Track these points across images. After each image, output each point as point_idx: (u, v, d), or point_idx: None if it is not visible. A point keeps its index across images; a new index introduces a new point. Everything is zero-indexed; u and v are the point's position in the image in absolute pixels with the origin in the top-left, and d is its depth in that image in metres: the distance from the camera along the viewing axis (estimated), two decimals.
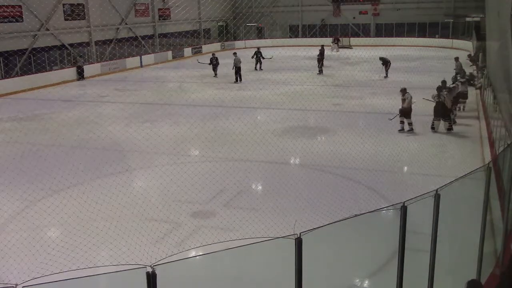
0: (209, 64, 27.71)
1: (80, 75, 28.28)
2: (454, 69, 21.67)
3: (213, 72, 27.77)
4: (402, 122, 15.19)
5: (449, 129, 14.79)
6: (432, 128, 14.92)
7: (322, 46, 30.04)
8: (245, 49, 37.88)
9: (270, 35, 48.82)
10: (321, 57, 28.35)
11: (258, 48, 31.04)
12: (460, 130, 15.39)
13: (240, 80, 25.89)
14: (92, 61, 31.02)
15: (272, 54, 29.97)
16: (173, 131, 15.62)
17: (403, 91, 15.42)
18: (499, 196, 7.87)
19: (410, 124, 15.08)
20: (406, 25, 44.72)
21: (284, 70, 29.09)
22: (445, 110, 14.78)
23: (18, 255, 7.68)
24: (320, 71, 27.94)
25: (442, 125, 14.89)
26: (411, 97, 15.21)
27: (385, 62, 25.78)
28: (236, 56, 26.31)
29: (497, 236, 7.32)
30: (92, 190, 10.54)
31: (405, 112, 15.14)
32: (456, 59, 22.35)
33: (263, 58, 29.82)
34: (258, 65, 29.93)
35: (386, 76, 25.58)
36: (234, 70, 26.09)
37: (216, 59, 27.76)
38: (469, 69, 26.63)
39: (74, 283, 3.84)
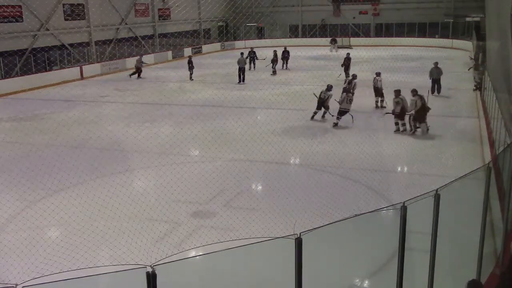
0: (189, 69, 27.28)
1: (138, 74, 28.40)
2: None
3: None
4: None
5: (427, 129, 14.76)
6: (416, 130, 14.77)
7: (285, 47, 30.89)
8: (245, 49, 37.85)
9: (270, 35, 48.82)
10: (275, 58, 28.75)
11: (252, 48, 31.07)
12: (460, 130, 15.40)
13: (243, 81, 25.82)
14: (92, 61, 31.03)
15: (265, 55, 30.02)
16: (173, 131, 15.61)
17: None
18: (499, 196, 7.87)
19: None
20: (406, 25, 44.73)
21: (284, 70, 29.12)
22: (426, 113, 14.78)
23: (18, 255, 7.68)
24: (274, 72, 28.29)
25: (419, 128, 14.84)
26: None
27: (347, 65, 25.47)
28: (241, 56, 26.25)
29: (497, 236, 7.32)
30: (92, 190, 10.54)
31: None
32: (435, 64, 21.33)
33: (257, 59, 29.86)
34: (252, 65, 29.94)
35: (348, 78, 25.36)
36: (237, 70, 26.04)
37: (191, 62, 27.45)
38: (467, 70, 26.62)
39: (74, 283, 3.84)
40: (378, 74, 19.04)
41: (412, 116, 14.74)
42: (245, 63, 26.30)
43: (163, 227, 8.84)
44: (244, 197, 10.30)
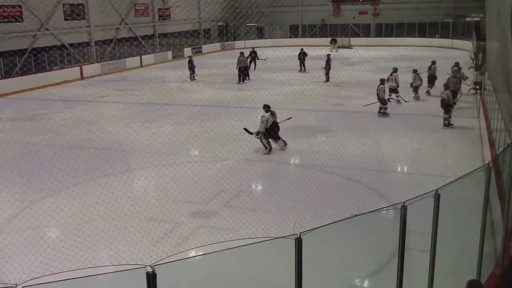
0: (189, 69, 27.14)
1: (245, 75, 26.16)
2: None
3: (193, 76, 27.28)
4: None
5: (285, 144, 13.52)
6: (271, 149, 13.37)
7: (301, 49, 30.10)
8: (245, 49, 37.95)
9: (270, 35, 48.83)
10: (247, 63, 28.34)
11: (253, 48, 30.94)
12: (460, 130, 15.40)
13: (243, 81, 25.74)
14: (92, 61, 31.03)
15: (267, 55, 29.83)
16: (173, 131, 15.61)
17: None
18: (499, 196, 7.87)
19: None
20: (406, 25, 44.74)
21: (284, 70, 29.08)
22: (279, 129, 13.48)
23: (18, 255, 7.68)
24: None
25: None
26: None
27: (327, 66, 25.33)
28: (242, 56, 26.16)
29: (497, 236, 7.32)
30: (92, 190, 10.54)
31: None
32: (456, 64, 20.87)
33: (258, 59, 29.69)
34: (253, 65, 29.77)
35: (327, 80, 25.18)
36: (237, 70, 25.98)
37: (191, 62, 27.27)
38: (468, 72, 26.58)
39: (74, 283, 3.85)
40: (434, 62, 21.38)
41: (262, 134, 13.19)
42: (246, 63, 26.19)
43: (163, 227, 8.84)
44: (244, 197, 10.30)
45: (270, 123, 13.21)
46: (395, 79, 19.13)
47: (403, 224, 4.85)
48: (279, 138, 13.41)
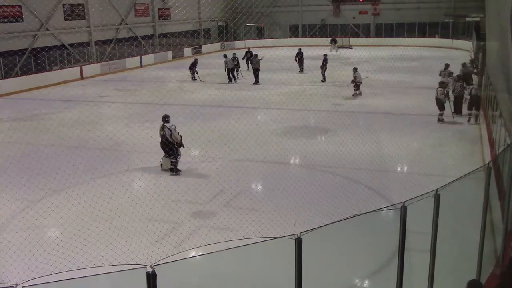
0: (190, 68, 27.16)
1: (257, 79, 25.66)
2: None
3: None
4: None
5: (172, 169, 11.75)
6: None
7: (299, 49, 29.92)
8: (245, 49, 37.96)
9: (270, 35, 48.83)
10: (235, 65, 28.05)
11: (249, 49, 30.91)
12: (460, 130, 15.39)
13: (235, 80, 25.83)
14: (92, 61, 31.03)
15: (263, 55, 29.77)
16: None
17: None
18: (499, 196, 7.87)
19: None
20: (406, 25, 44.75)
21: (284, 70, 29.08)
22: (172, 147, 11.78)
23: (18, 255, 7.68)
24: (234, 79, 26.96)
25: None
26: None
27: (323, 66, 25.41)
28: (226, 58, 26.27)
29: (497, 236, 7.31)
30: (92, 190, 10.54)
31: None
32: (463, 64, 20.79)
33: (254, 59, 29.58)
34: (250, 65, 29.66)
35: (324, 80, 25.26)
36: (225, 72, 26.21)
37: (195, 63, 27.25)
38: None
39: (74, 283, 3.84)
40: (463, 65, 20.69)
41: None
42: (232, 64, 26.17)
43: (163, 227, 8.84)
44: (244, 197, 10.30)
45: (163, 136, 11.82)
46: (447, 75, 18.97)
47: (403, 224, 4.85)
48: (168, 156, 11.83)
